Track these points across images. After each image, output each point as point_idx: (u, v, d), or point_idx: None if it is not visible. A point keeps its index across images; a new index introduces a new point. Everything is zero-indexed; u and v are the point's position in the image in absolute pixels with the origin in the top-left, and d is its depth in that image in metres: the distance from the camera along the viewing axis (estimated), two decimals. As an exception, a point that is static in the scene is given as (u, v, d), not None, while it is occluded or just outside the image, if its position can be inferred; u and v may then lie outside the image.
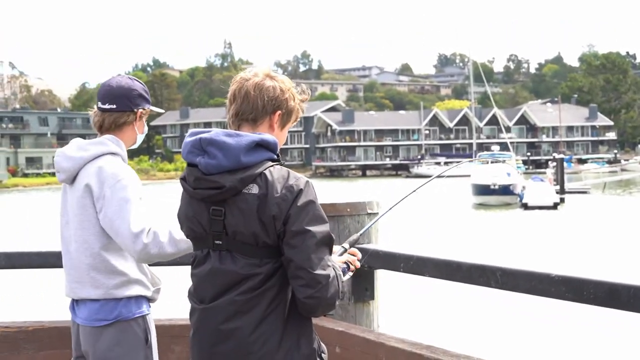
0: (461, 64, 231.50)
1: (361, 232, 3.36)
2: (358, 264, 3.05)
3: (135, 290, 3.39)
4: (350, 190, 63.37)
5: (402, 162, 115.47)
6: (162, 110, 3.97)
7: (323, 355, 2.78)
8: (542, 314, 13.48)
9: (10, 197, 72.10)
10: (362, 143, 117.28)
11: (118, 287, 3.35)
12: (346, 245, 3.14)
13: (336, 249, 2.99)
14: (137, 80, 3.57)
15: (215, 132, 2.69)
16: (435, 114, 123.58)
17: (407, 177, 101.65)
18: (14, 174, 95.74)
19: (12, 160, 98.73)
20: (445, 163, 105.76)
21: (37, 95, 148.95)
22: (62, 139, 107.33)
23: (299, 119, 2.94)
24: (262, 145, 2.67)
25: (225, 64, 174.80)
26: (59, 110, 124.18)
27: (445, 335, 11.73)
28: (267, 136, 2.69)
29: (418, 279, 3.67)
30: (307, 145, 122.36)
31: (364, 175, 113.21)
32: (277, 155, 2.73)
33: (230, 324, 2.64)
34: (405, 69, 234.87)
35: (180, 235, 3.31)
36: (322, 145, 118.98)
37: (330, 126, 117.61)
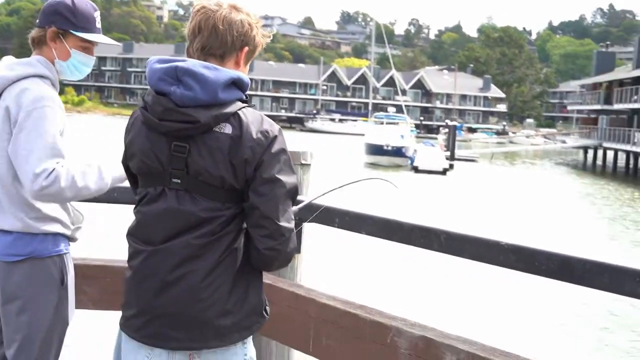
0: (363, 23, 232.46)
1: (300, 205, 3.16)
2: None
3: (52, 227, 3.12)
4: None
5: (298, 115, 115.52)
6: (111, 41, 3.43)
7: (267, 308, 2.65)
8: (485, 280, 13.35)
9: None
10: (258, 92, 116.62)
11: (33, 221, 3.08)
12: (295, 209, 2.98)
13: None
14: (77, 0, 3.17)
15: (192, 62, 2.47)
16: (334, 70, 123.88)
17: (302, 130, 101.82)
18: None
19: None
20: (340, 120, 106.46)
21: None
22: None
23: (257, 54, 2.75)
24: (236, 83, 2.49)
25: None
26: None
27: (380, 297, 11.64)
28: (242, 75, 2.52)
29: (353, 236, 3.54)
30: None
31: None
32: (246, 97, 2.55)
33: (183, 268, 2.45)
34: (307, 23, 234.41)
35: (85, 181, 3.03)
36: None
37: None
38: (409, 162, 45.96)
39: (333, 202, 3.61)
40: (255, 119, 2.49)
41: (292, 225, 2.52)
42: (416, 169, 43.80)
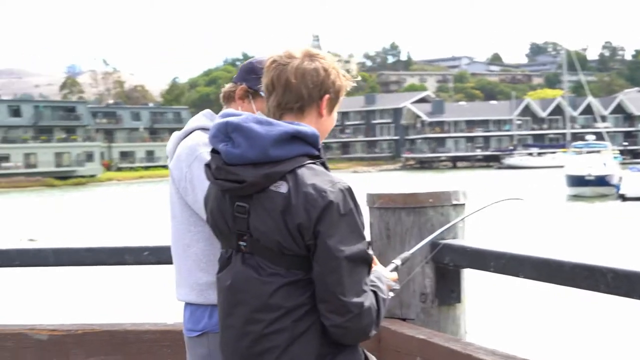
0: (554, 53, 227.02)
1: (414, 249, 2.97)
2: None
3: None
4: (440, 182, 62.47)
5: (494, 153, 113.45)
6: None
7: None
8: None
9: (103, 190, 73.54)
10: (452, 134, 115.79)
11: (203, 288, 2.89)
12: (398, 261, 2.75)
13: (377, 267, 2.52)
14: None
15: (245, 117, 2.28)
16: (528, 103, 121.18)
17: (499, 168, 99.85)
18: (108, 168, 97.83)
19: (107, 154, 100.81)
20: (538, 154, 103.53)
21: (129, 91, 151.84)
22: (154, 134, 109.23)
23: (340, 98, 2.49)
24: (298, 137, 2.25)
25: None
26: (150, 105, 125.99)
27: (543, 347, 10.78)
28: (306, 128, 2.27)
29: (510, 280, 3.18)
30: (397, 137, 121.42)
31: (454, 166, 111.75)
32: (319, 150, 2.30)
33: (258, 346, 2.25)
34: (495, 59, 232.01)
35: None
36: (411, 136, 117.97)
37: (420, 117, 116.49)
38: (615, 190, 43.76)
39: (489, 244, 3.27)
40: (316, 176, 2.23)
41: (362, 299, 2.21)
42: (623, 197, 41.65)
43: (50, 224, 33.62)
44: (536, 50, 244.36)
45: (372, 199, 3.62)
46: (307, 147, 2.26)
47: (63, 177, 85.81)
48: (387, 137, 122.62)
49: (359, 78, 2.52)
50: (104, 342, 3.58)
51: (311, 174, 2.22)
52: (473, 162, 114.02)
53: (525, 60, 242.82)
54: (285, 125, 2.26)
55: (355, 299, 2.19)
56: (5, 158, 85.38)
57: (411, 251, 2.90)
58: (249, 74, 3.02)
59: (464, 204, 3.64)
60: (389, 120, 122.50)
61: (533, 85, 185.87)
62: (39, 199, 59.99)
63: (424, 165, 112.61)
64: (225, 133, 2.27)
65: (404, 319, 3.52)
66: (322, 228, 2.17)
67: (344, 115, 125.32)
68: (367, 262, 2.25)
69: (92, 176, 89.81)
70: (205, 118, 3.05)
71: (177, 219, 2.95)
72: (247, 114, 2.33)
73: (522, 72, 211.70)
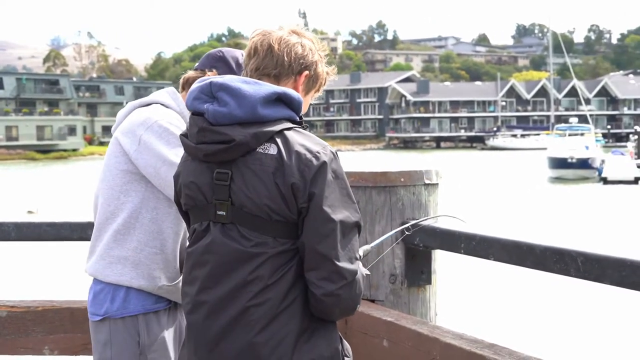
0: (540, 35, 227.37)
1: (374, 244, 2.92)
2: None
3: (127, 278, 2.76)
4: (423, 162, 62.38)
5: (478, 134, 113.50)
6: None
7: (346, 359, 2.27)
8: (635, 309, 11.83)
9: (86, 164, 73.06)
10: (436, 114, 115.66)
11: (111, 263, 2.77)
12: (361, 252, 2.64)
13: None
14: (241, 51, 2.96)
15: (229, 78, 2.19)
16: (513, 85, 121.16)
17: (482, 149, 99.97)
18: (90, 142, 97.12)
19: (89, 128, 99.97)
20: (522, 135, 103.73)
21: (114, 65, 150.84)
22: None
23: (322, 91, 2.46)
24: (283, 100, 2.18)
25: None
26: (134, 79, 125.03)
27: (512, 332, 10.70)
28: (292, 91, 2.20)
29: (482, 262, 3.10)
30: (381, 116, 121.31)
31: (438, 147, 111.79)
32: (300, 118, 2.22)
33: (236, 322, 2.12)
34: (482, 40, 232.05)
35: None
36: (395, 116, 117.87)
37: (405, 97, 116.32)
38: (597, 173, 43.89)
39: (460, 225, 3.19)
40: (306, 138, 2.16)
41: (355, 266, 2.14)
42: (605, 180, 41.71)
43: (39, 197, 33.38)
44: (522, 31, 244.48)
45: (343, 177, 3.53)
46: (290, 111, 2.19)
47: (45, 151, 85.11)
48: (372, 116, 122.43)
49: (333, 75, 2.47)
50: (64, 319, 3.47)
51: (300, 137, 2.16)
52: (457, 143, 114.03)
53: (511, 42, 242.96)
54: (272, 86, 2.18)
55: (349, 265, 2.13)
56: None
57: (372, 245, 2.83)
58: (219, 62, 2.94)
59: (437, 184, 3.55)
60: (373, 100, 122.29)
61: (519, 66, 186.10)
62: (21, 172, 59.56)
63: (408, 145, 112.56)
64: (210, 93, 2.17)
65: (372, 301, 3.44)
66: (316, 190, 2.10)
67: (328, 93, 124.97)
68: (359, 228, 2.19)
69: (74, 150, 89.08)
70: (168, 95, 3.01)
71: (108, 183, 2.84)
72: (228, 76, 2.24)
73: (508, 54, 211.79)
